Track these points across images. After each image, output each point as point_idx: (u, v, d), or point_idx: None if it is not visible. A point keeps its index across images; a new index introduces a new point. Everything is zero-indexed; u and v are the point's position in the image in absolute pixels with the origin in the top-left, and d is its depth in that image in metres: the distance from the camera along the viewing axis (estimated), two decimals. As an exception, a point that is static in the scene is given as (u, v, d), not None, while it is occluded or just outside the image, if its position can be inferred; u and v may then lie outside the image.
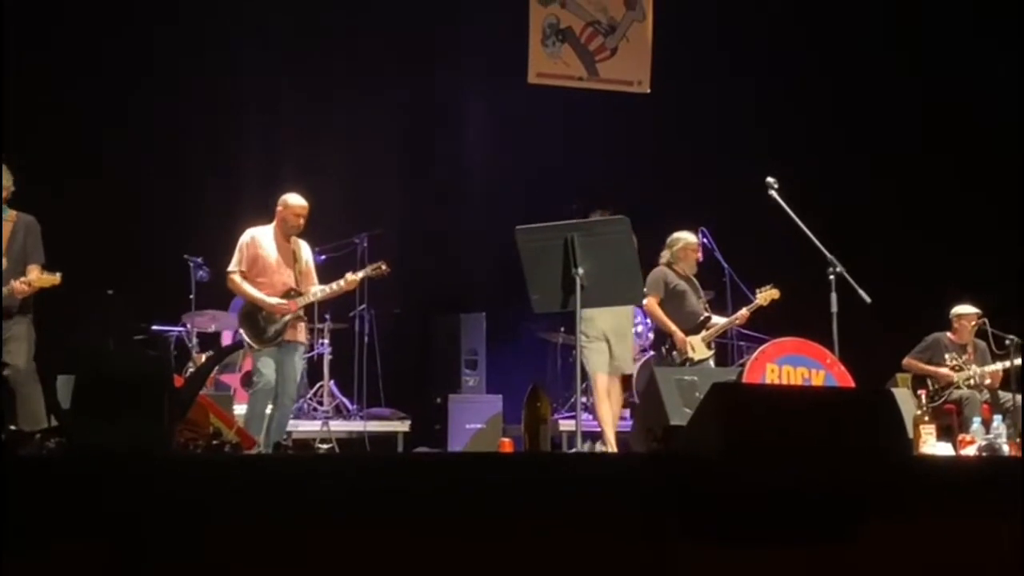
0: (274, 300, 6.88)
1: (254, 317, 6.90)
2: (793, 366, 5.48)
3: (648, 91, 9.69)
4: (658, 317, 7.73)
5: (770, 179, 6.95)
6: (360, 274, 7.28)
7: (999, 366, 8.23)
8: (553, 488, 3.37)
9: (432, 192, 9.51)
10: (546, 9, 9.53)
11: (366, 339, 8.58)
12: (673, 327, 7.61)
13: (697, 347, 7.68)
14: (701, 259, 8.09)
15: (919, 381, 8.33)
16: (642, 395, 6.19)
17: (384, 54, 9.48)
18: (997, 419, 5.69)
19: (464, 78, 9.55)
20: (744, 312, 7.86)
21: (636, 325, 8.58)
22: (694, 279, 7.98)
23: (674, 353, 7.64)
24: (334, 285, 7.16)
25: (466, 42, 9.50)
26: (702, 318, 7.75)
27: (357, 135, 9.40)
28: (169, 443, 3.42)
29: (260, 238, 7.02)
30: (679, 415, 5.33)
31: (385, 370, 8.67)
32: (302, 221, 7.02)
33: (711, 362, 7.80)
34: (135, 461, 2.87)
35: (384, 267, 7.34)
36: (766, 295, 7.76)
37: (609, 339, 7.33)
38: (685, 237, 7.90)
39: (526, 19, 9.54)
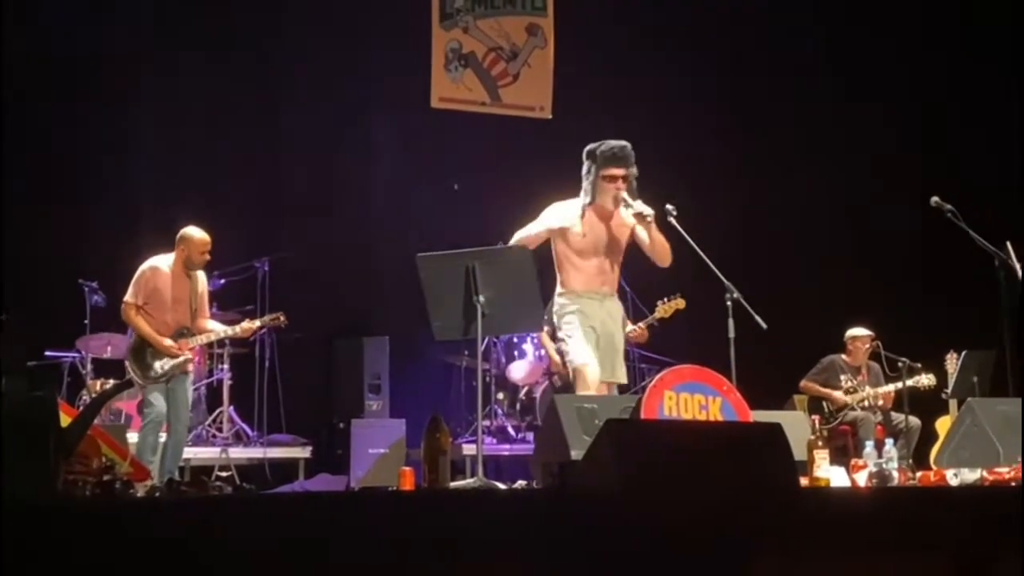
0: (166, 341, 6.76)
1: (142, 352, 6.78)
2: (691, 393, 5.51)
3: (550, 117, 9.75)
4: (544, 346, 8.12)
5: (669, 206, 7.03)
6: (257, 323, 7.28)
7: (891, 387, 8.44)
8: (448, 525, 3.36)
9: (335, 215, 9.43)
10: (448, 34, 9.54)
11: (267, 364, 8.48)
12: (550, 352, 7.91)
13: None
14: None
15: (815, 403, 8.51)
16: (543, 423, 6.22)
17: (287, 75, 9.39)
18: (889, 443, 5.81)
19: (369, 101, 9.50)
20: (640, 327, 8.01)
21: (538, 349, 8.65)
22: None
23: (554, 378, 7.87)
24: (229, 330, 7.11)
25: (370, 65, 9.45)
26: None
27: (258, 157, 9.29)
28: (55, 486, 3.34)
29: (160, 271, 6.87)
30: (580, 443, 5.34)
31: (286, 395, 8.56)
32: (208, 256, 6.93)
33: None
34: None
35: (282, 318, 7.37)
36: (669, 306, 7.91)
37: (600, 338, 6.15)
38: None
39: (429, 44, 9.55)
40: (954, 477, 4.96)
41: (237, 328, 7.14)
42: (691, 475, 3.22)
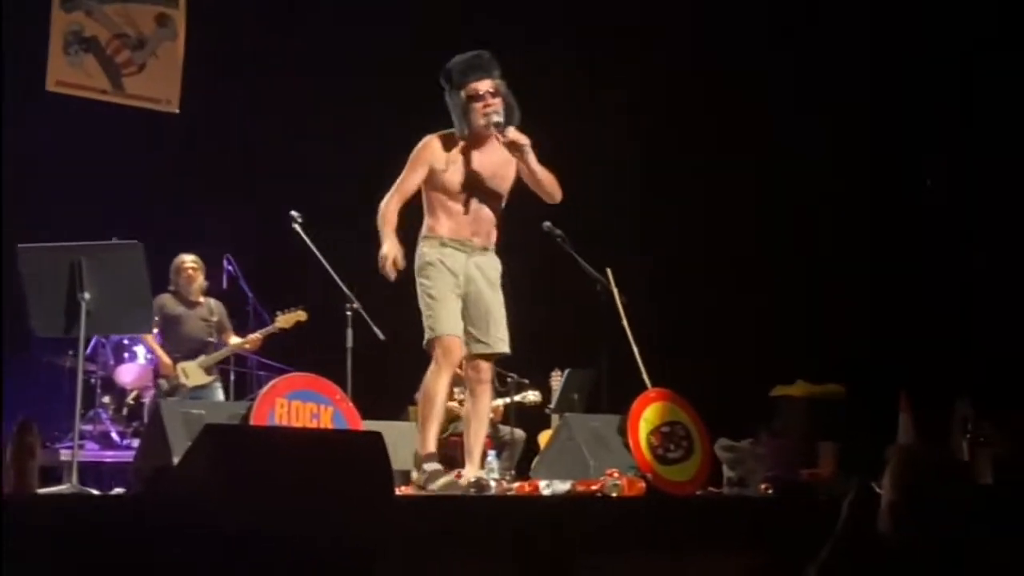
0: None
1: None
2: (303, 401, 5.48)
3: (177, 111, 9.42)
4: (148, 344, 7.92)
5: (294, 213, 7.01)
6: None
7: (499, 402, 8.77)
8: (30, 532, 3.19)
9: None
10: (70, 16, 9.01)
11: None
12: (160, 353, 7.72)
13: (191, 373, 7.71)
14: (202, 283, 8.07)
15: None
16: (146, 428, 5.99)
17: None
18: (492, 454, 6.04)
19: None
20: (256, 336, 7.98)
21: (150, 352, 8.33)
22: (207, 302, 8.01)
23: (160, 380, 7.67)
24: None
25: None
26: (204, 343, 7.80)
27: None
28: None
29: None
30: (184, 450, 5.20)
31: None
32: None
33: (220, 392, 7.82)
34: None
35: None
36: (289, 317, 7.89)
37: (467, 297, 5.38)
38: (178, 258, 7.94)
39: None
40: (547, 488, 5.22)
41: None
42: (286, 482, 3.20)
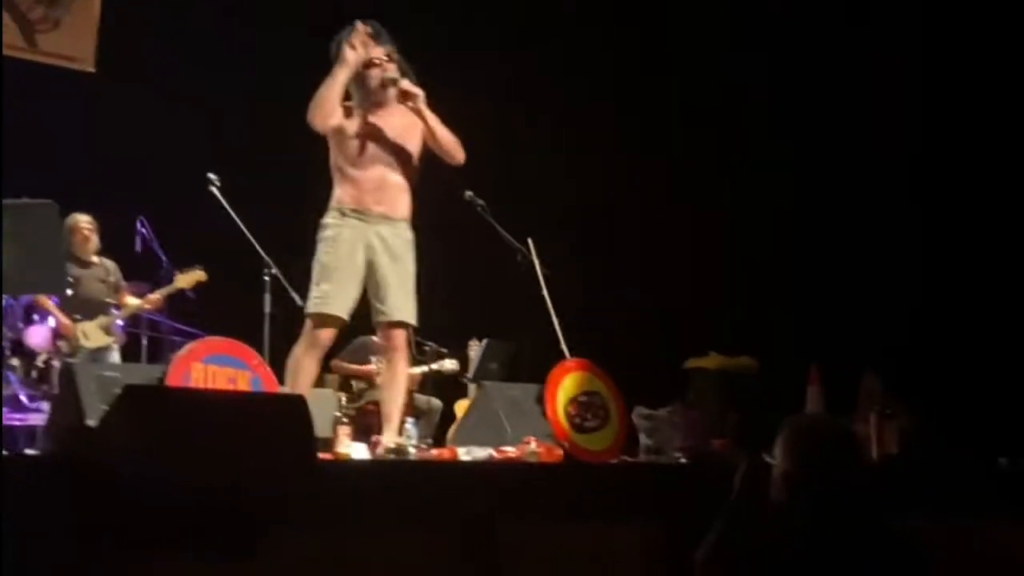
0: None
1: None
2: (220, 365, 5.41)
3: (93, 70, 9.19)
4: (43, 306, 7.70)
5: (212, 175, 6.88)
6: None
7: (418, 370, 8.79)
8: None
9: None
10: (-20, -30, 8.73)
11: None
12: (58, 314, 7.59)
13: (91, 334, 7.62)
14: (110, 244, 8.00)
15: (345, 382, 8.69)
16: (59, 390, 5.88)
17: None
18: (410, 422, 6.05)
19: None
20: (156, 296, 7.87)
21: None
22: (102, 262, 7.92)
23: (60, 342, 7.56)
24: None
25: None
26: (102, 303, 7.71)
27: None
28: None
29: None
30: (98, 413, 5.12)
31: None
32: None
33: (117, 354, 7.72)
34: None
35: None
36: (189, 277, 7.80)
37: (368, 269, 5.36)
38: (71, 218, 7.81)
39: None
40: (466, 455, 5.26)
41: None
42: (209, 443, 3.18)
